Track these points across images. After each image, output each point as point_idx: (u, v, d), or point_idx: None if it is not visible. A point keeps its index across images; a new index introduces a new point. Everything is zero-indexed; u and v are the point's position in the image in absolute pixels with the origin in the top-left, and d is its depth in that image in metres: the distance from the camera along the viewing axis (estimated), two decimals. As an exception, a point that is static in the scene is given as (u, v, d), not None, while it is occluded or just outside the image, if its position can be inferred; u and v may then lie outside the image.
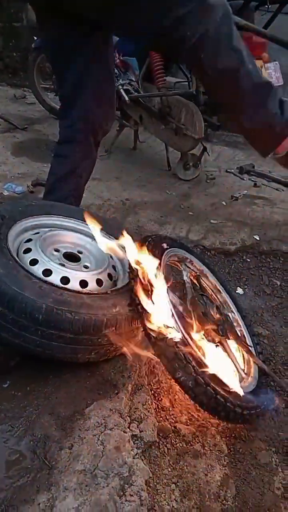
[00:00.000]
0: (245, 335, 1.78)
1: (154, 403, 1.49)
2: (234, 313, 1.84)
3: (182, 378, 1.30)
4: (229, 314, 1.81)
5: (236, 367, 1.64)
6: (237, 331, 1.75)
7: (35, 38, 4.30)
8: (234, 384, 1.48)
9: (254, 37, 2.61)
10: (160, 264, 1.49)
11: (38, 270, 1.39)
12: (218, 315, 1.64)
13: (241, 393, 1.45)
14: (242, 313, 1.89)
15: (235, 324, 1.79)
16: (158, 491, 1.27)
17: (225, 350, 1.60)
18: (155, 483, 1.29)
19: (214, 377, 1.36)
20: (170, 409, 1.52)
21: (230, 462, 1.44)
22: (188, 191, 3.25)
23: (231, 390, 1.41)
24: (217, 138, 4.58)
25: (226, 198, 3.18)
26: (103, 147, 3.66)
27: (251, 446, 1.52)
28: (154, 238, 1.63)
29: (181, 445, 1.42)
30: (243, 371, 1.64)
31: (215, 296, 1.88)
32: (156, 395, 1.55)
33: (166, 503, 1.25)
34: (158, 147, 3.95)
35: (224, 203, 3.11)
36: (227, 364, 1.61)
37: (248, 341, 1.76)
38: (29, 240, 1.51)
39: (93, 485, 1.08)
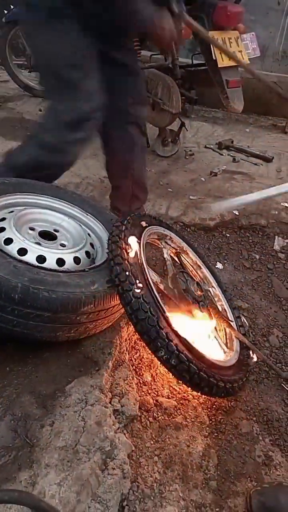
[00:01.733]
0: (226, 309, 1.79)
1: (135, 378, 1.50)
2: (214, 288, 1.85)
3: (165, 356, 1.30)
4: (210, 289, 1.82)
5: (218, 342, 1.66)
6: (218, 306, 1.77)
7: (6, 11, 4.12)
8: (217, 358, 1.50)
9: (230, 7, 2.56)
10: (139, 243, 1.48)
11: (12, 249, 1.36)
12: (199, 292, 1.64)
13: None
14: (223, 287, 1.90)
15: (216, 299, 1.80)
16: (141, 463, 1.29)
17: (206, 326, 1.61)
18: (138, 456, 1.30)
19: (196, 353, 1.37)
20: (152, 384, 1.54)
21: (211, 432, 1.47)
22: (167, 167, 3.22)
23: (213, 365, 1.42)
24: (196, 114, 4.53)
25: (205, 174, 3.16)
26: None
27: (232, 416, 1.55)
28: (133, 216, 1.60)
29: (163, 418, 1.43)
30: (226, 345, 1.66)
31: (195, 272, 1.88)
32: (137, 370, 1.55)
33: (149, 475, 1.27)
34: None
35: (203, 179, 3.09)
36: (209, 340, 1.63)
37: (229, 315, 1.77)
38: (2, 219, 1.48)
39: (74, 461, 1.09)
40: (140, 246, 1.47)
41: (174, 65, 2.94)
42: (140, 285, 1.33)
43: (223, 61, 2.55)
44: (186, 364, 1.30)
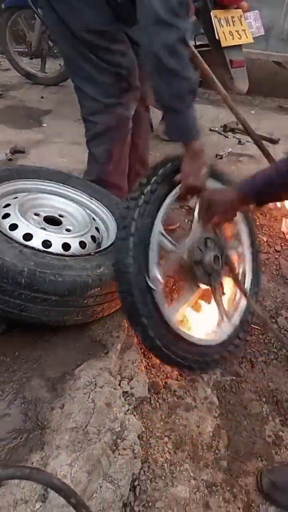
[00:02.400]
0: (246, 277, 1.68)
1: (144, 361, 1.50)
2: (242, 246, 1.72)
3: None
4: (237, 250, 1.70)
5: (219, 309, 1.57)
6: (239, 273, 1.65)
7: (5, -3, 4.06)
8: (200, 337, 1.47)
9: (233, -16, 2.50)
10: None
11: (18, 234, 1.36)
12: (214, 265, 1.55)
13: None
14: (255, 248, 1.77)
15: (240, 264, 1.69)
16: (151, 444, 1.30)
17: (214, 292, 1.54)
18: (148, 437, 1.31)
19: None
20: (161, 366, 1.54)
21: (221, 413, 1.47)
22: (171, 151, 3.15)
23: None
24: (200, 97, 4.47)
25: (211, 157, 3.13)
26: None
27: (241, 397, 1.55)
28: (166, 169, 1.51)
29: (172, 399, 1.44)
30: (225, 314, 1.57)
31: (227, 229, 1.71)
32: (146, 353, 1.55)
33: (160, 455, 1.28)
34: (139, 108, 3.85)
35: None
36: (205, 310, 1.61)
37: (248, 284, 1.67)
38: (7, 205, 1.47)
39: (85, 441, 1.10)
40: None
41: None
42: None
43: (226, 41, 2.50)
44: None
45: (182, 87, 1.29)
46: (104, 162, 1.81)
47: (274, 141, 3.39)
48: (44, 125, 3.39)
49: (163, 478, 1.23)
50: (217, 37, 2.48)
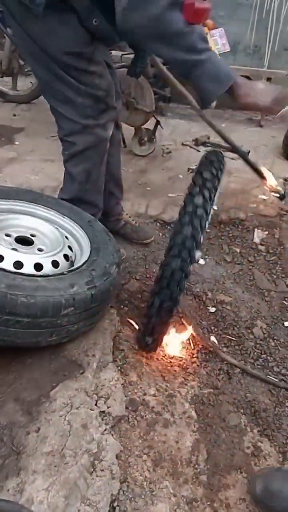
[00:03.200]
0: None
1: (121, 379, 1.50)
2: None
3: None
4: None
5: None
6: None
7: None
8: None
9: (197, 3, 2.56)
10: None
11: (-11, 257, 1.35)
12: None
13: None
14: None
15: None
16: (130, 463, 1.29)
17: None
18: (127, 456, 1.30)
19: None
20: (138, 383, 1.53)
21: (200, 427, 1.47)
22: (145, 166, 3.22)
23: None
24: (172, 112, 4.54)
25: (183, 171, 3.17)
26: (54, 127, 3.57)
27: (219, 410, 1.55)
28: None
29: (150, 416, 1.43)
30: None
31: None
32: (122, 370, 1.55)
33: (139, 474, 1.27)
34: (112, 124, 3.88)
35: (181, 176, 3.10)
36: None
37: None
38: (-22, 227, 1.46)
39: (62, 465, 1.08)
40: None
41: (146, 64, 2.94)
42: None
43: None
44: None
45: (191, 40, 1.27)
46: (82, 182, 1.82)
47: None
48: (16, 143, 3.39)
49: (143, 497, 1.22)
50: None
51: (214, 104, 2.81)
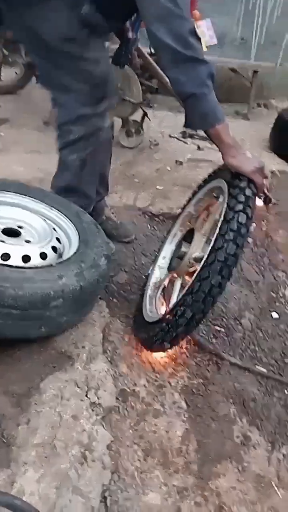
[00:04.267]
0: None
1: (111, 370, 1.50)
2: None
3: None
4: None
5: None
6: None
7: None
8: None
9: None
10: None
11: (-24, 249, 1.33)
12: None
13: None
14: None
15: None
16: (121, 453, 1.29)
17: None
18: (118, 446, 1.30)
19: None
20: (128, 374, 1.53)
21: (190, 417, 1.48)
22: (133, 158, 3.21)
23: None
24: (160, 103, 4.52)
25: (171, 163, 3.17)
26: (41, 119, 3.53)
27: (209, 400, 1.56)
28: None
29: (141, 406, 1.44)
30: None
31: None
32: (112, 362, 1.55)
33: (130, 464, 1.28)
34: (99, 116, 3.85)
35: (169, 168, 3.10)
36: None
37: None
38: None
39: (52, 456, 1.08)
40: None
41: (133, 55, 2.92)
42: None
43: (181, 49, 2.54)
44: None
45: (201, 72, 1.33)
46: (76, 170, 1.79)
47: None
48: (1, 134, 3.34)
49: (134, 486, 1.23)
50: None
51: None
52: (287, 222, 2.59)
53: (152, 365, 1.61)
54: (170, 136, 3.70)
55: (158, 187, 2.78)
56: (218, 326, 1.88)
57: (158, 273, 1.81)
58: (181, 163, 3.16)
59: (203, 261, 1.37)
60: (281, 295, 2.13)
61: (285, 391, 1.66)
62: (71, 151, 1.77)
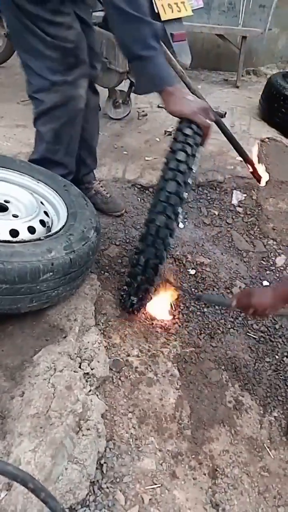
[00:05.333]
0: None
1: (104, 341, 1.51)
2: None
3: None
4: None
5: None
6: None
7: None
8: None
9: None
10: None
11: None
12: None
13: None
14: None
15: None
16: (116, 421, 1.31)
17: None
18: (112, 415, 1.32)
19: None
20: (121, 345, 1.55)
21: (183, 384, 1.50)
22: (121, 130, 3.15)
23: None
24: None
25: (160, 134, 3.11)
26: (26, 92, 3.43)
27: (201, 367, 1.59)
28: None
29: (134, 376, 1.46)
30: None
31: None
32: (105, 333, 1.56)
33: (125, 432, 1.30)
34: (84, 87, 3.76)
35: (157, 139, 3.05)
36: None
37: None
38: None
39: (47, 426, 1.09)
40: None
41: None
42: None
43: (165, 14, 2.47)
44: None
45: (144, 32, 1.29)
46: (50, 141, 1.76)
47: (221, 115, 3.41)
48: (-15, 108, 3.25)
49: (129, 453, 1.25)
50: (156, 11, 2.45)
51: (189, 62, 2.75)
52: (277, 190, 2.58)
53: (145, 335, 1.62)
54: (159, 107, 3.62)
55: (147, 158, 2.74)
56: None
57: None
58: (170, 133, 3.11)
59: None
60: (272, 263, 2.14)
61: (276, 356, 1.69)
62: (45, 121, 1.73)
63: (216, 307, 1.82)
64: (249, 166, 2.40)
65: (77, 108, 1.74)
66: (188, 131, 1.34)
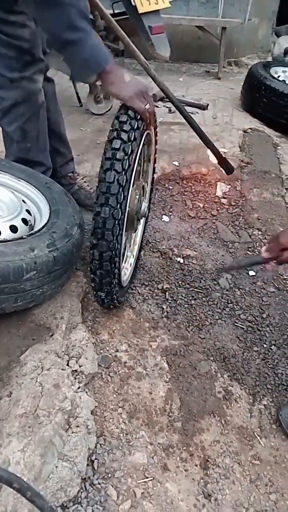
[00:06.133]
0: None
1: (92, 338, 1.50)
2: None
3: None
4: None
5: None
6: None
7: None
8: None
9: None
10: None
11: None
12: None
13: None
14: None
15: None
16: (106, 417, 1.31)
17: None
18: (102, 411, 1.32)
19: None
20: (109, 341, 1.55)
21: (172, 377, 1.51)
22: (103, 125, 3.13)
23: None
24: (127, 67, 4.39)
25: (143, 128, 3.10)
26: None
27: (190, 359, 1.59)
28: None
29: (123, 371, 1.46)
30: None
31: None
32: (93, 330, 1.56)
33: (115, 427, 1.30)
34: (65, 83, 3.71)
35: (140, 133, 3.04)
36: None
37: None
38: None
39: (36, 425, 1.09)
40: None
41: (95, 15, 2.80)
42: None
43: (143, 6, 2.44)
44: None
45: (71, 14, 1.20)
46: (20, 140, 1.74)
47: (203, 107, 3.41)
48: None
49: (120, 448, 1.26)
50: (133, 3, 2.42)
51: (168, 55, 2.73)
52: (260, 180, 2.59)
53: (133, 330, 1.62)
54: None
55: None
56: (197, 288, 1.90)
57: None
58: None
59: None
60: (257, 253, 2.15)
61: (264, 345, 1.70)
62: (10, 120, 1.71)
63: (249, 268, 1.77)
64: (215, 156, 2.36)
65: (38, 103, 1.73)
66: (122, 118, 1.32)
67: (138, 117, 1.34)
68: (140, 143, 1.42)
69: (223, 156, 2.27)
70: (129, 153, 1.30)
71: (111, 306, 1.60)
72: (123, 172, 1.29)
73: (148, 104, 1.36)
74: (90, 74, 1.30)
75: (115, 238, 1.34)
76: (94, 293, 1.55)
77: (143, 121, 1.38)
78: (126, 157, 1.30)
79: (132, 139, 1.32)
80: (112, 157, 1.29)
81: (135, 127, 1.33)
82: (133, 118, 1.33)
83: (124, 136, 1.30)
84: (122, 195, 1.31)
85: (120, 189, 1.29)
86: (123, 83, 1.32)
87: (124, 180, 1.30)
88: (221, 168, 2.30)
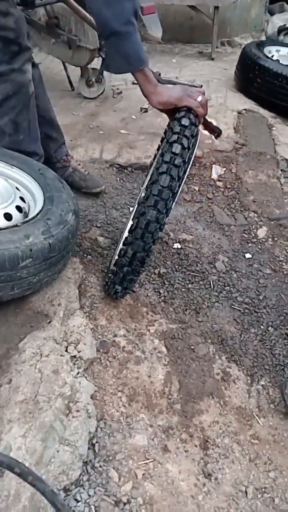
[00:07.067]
0: None
1: (90, 324, 1.51)
2: None
3: None
4: None
5: None
6: None
7: None
8: None
9: None
10: None
11: None
12: None
13: None
14: None
15: None
16: (106, 401, 1.33)
17: None
18: (102, 395, 1.34)
19: None
20: (107, 326, 1.55)
21: (170, 360, 1.52)
22: (96, 109, 3.09)
23: None
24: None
25: (136, 111, 3.07)
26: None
27: (188, 342, 1.60)
28: None
29: (122, 355, 1.47)
30: None
31: None
32: (91, 316, 1.56)
33: (115, 410, 1.32)
34: (56, 67, 3.65)
35: (134, 116, 3.00)
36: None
37: None
38: None
39: (36, 411, 1.10)
40: None
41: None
42: None
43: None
44: None
45: (126, 8, 1.21)
46: (12, 133, 1.71)
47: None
48: None
49: (121, 431, 1.27)
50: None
51: (160, 36, 2.69)
52: (256, 162, 2.58)
53: (131, 315, 1.63)
54: (134, 83, 3.55)
55: (123, 133, 2.70)
56: (193, 271, 1.90)
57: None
58: (146, 110, 3.07)
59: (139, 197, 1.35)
60: (253, 236, 2.15)
61: (261, 326, 1.71)
62: (0, 114, 1.68)
63: None
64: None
65: (29, 94, 1.70)
66: (185, 122, 1.29)
67: (196, 122, 1.33)
68: (195, 150, 1.39)
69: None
70: (186, 160, 1.29)
71: (118, 298, 1.61)
72: (177, 179, 1.28)
73: (199, 96, 1.35)
74: (129, 70, 1.29)
75: (153, 241, 1.34)
76: (109, 284, 1.54)
77: (197, 126, 1.35)
78: (183, 164, 1.28)
79: (191, 146, 1.30)
80: (170, 161, 1.27)
81: (194, 134, 1.32)
82: (193, 123, 1.31)
83: (185, 142, 1.28)
84: (172, 201, 1.30)
85: (171, 196, 1.28)
86: (170, 90, 1.33)
87: (177, 187, 1.29)
88: (209, 134, 2.27)
